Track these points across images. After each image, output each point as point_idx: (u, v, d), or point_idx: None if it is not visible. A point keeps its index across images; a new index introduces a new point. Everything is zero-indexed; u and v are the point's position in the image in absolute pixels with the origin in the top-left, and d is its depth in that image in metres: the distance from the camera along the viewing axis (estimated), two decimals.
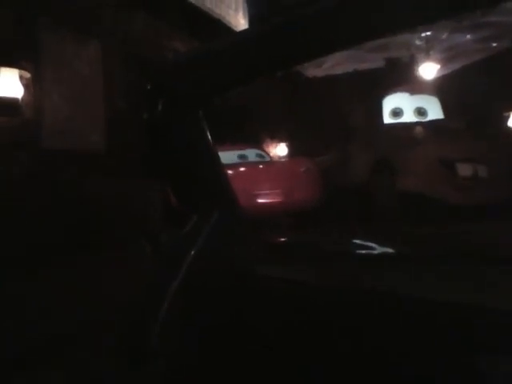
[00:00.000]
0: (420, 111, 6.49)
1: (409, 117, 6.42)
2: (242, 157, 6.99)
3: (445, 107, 6.62)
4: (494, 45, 8.16)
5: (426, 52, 8.47)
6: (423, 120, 6.35)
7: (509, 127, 6.63)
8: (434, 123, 6.24)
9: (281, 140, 8.71)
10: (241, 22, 8.05)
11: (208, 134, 1.01)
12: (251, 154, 7.14)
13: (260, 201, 5.95)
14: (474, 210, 5.17)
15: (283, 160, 8.03)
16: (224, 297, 0.97)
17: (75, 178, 4.40)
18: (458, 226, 4.99)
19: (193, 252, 0.96)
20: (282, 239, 1.67)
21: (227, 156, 6.73)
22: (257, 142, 8.15)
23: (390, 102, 6.72)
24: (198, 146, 1.03)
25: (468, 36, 8.49)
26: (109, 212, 4.47)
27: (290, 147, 8.65)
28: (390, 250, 1.57)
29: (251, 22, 8.27)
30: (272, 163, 7.09)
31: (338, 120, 7.18)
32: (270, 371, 0.93)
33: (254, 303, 0.96)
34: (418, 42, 8.62)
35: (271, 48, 0.81)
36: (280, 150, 8.75)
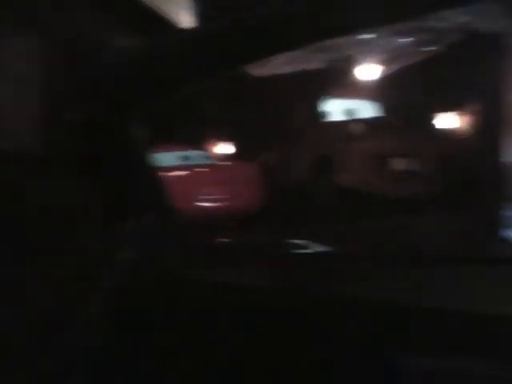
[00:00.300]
0: (349, 112, 6.74)
1: (341, 117, 6.65)
2: (185, 158, 6.91)
3: (381, 106, 6.90)
4: (430, 49, 8.56)
5: (367, 54, 8.75)
6: (359, 118, 6.61)
7: (441, 125, 7.01)
8: (370, 120, 6.50)
9: (225, 140, 8.71)
10: (188, 21, 7.97)
11: (141, 134, 0.99)
12: (194, 155, 7.08)
13: (204, 204, 5.91)
14: (408, 204, 5.46)
15: (228, 163, 8.02)
16: (157, 302, 0.97)
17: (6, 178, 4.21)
18: (393, 221, 5.24)
19: (124, 256, 0.96)
20: (220, 242, 1.68)
21: (170, 157, 6.64)
22: (201, 143, 8.11)
23: (329, 103, 6.91)
24: (129, 147, 1.01)
25: (406, 39, 8.85)
26: (36, 213, 4.29)
27: (234, 147, 8.68)
28: (326, 250, 1.62)
29: (199, 21, 8.20)
30: (216, 166, 7.06)
31: (282, 119, 7.29)
32: (202, 375, 0.95)
33: (188, 308, 0.97)
34: (359, 44, 8.88)
35: (217, 48, 0.79)
36: (224, 150, 8.76)
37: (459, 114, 7.01)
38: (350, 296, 0.86)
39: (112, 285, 0.92)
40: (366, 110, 7.07)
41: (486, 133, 6.66)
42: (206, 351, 0.93)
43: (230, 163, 8.19)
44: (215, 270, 1.09)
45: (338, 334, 0.78)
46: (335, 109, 7.06)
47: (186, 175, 6.22)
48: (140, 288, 0.96)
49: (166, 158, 6.61)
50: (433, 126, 6.97)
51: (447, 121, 7.10)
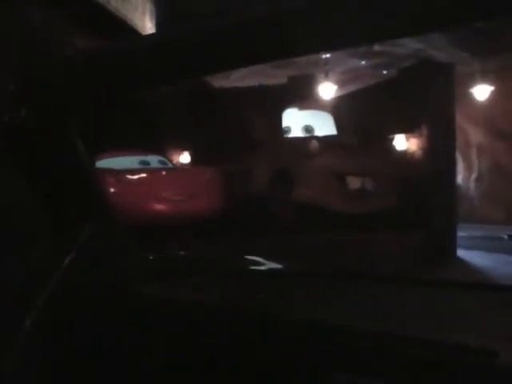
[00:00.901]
0: (307, 129, 6.90)
1: (299, 133, 6.80)
2: (143, 163, 6.82)
3: (338, 125, 7.10)
4: (385, 72, 8.90)
5: (326, 73, 8.99)
6: (315, 135, 6.77)
7: (393, 146, 7.26)
8: (327, 139, 6.66)
9: (185, 149, 8.67)
10: (147, 26, 7.90)
11: (79, 142, 0.95)
12: (153, 160, 7.00)
13: (161, 208, 5.84)
14: (361, 220, 5.63)
15: (186, 167, 7.97)
16: (95, 314, 0.94)
17: None
18: (344, 236, 5.37)
19: (63, 266, 0.93)
20: (168, 254, 1.66)
21: (128, 161, 6.53)
22: (160, 150, 8.02)
23: (288, 118, 7.05)
24: (66, 154, 0.96)
25: (363, 62, 9.19)
26: None
27: (193, 156, 8.64)
28: (275, 266, 1.62)
29: (159, 26, 8.15)
30: (175, 170, 7.01)
31: (242, 132, 7.33)
32: None
33: (127, 321, 0.94)
34: (319, 63, 9.13)
35: (173, 56, 0.76)
36: (184, 158, 8.70)
37: (412, 137, 7.29)
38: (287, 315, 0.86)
39: (48, 295, 0.88)
40: (324, 127, 7.24)
41: (436, 155, 6.94)
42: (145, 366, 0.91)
43: (188, 167, 8.14)
44: (156, 283, 1.06)
45: (279, 351, 0.78)
46: (294, 125, 7.19)
47: (144, 178, 6.13)
48: (79, 299, 0.93)
49: (124, 161, 6.50)
50: (386, 146, 7.22)
51: (400, 143, 7.37)
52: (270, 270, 1.53)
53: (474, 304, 0.99)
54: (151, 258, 1.20)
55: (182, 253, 1.97)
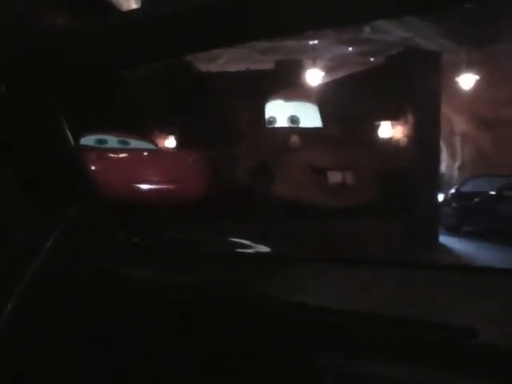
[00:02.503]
0: (293, 119, 6.86)
1: (283, 123, 6.75)
2: (125, 143, 6.70)
3: (324, 114, 7.08)
4: (372, 59, 8.89)
5: (313, 59, 8.95)
6: (297, 127, 6.73)
7: (378, 136, 7.28)
8: (309, 131, 6.64)
9: (170, 133, 8.59)
10: (132, 6, 7.75)
11: (63, 121, 0.93)
12: (137, 142, 6.88)
13: (143, 190, 5.77)
14: (343, 212, 5.66)
15: (170, 150, 7.87)
16: (79, 298, 0.93)
17: None
18: (328, 226, 5.41)
19: (46, 249, 0.92)
20: (155, 238, 1.65)
21: (111, 141, 6.43)
22: (146, 133, 7.93)
23: (273, 108, 7.00)
24: (49, 134, 0.94)
25: (350, 49, 9.15)
26: None
27: (179, 140, 8.57)
28: (262, 249, 1.62)
29: (144, 4, 7.98)
30: (158, 152, 6.91)
31: (227, 119, 7.28)
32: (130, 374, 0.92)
33: (112, 305, 0.94)
34: (306, 49, 9.07)
35: (156, 34, 0.74)
36: (169, 142, 8.63)
37: (396, 125, 7.33)
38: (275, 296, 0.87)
39: (31, 279, 0.87)
40: (308, 116, 7.20)
41: (421, 143, 7.00)
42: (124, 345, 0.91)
43: (173, 149, 8.04)
44: (141, 266, 1.06)
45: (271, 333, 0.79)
46: (277, 114, 7.13)
47: (127, 159, 6.05)
48: (58, 282, 0.92)
49: (106, 140, 6.41)
50: (370, 135, 7.25)
51: (385, 131, 7.40)
52: (256, 254, 1.54)
53: (455, 286, 1.01)
54: (136, 240, 1.19)
55: (167, 236, 1.97)
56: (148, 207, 5.26)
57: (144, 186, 5.82)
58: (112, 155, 5.90)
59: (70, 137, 0.96)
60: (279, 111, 7.04)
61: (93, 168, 5.45)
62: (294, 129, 6.65)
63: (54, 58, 0.84)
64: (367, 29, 8.34)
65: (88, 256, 0.97)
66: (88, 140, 6.30)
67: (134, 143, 6.80)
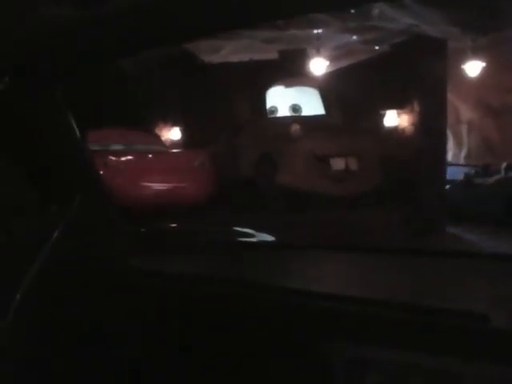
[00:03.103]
0: (295, 108, 6.83)
1: (285, 113, 6.73)
2: (133, 144, 6.70)
3: (327, 102, 7.04)
4: (377, 48, 8.81)
5: (317, 48, 8.87)
6: (299, 116, 6.70)
7: (383, 124, 7.24)
8: (311, 119, 6.61)
9: (175, 124, 8.58)
10: None
11: (68, 114, 0.92)
12: (145, 142, 6.86)
13: (150, 192, 5.78)
14: (348, 200, 5.65)
15: (176, 151, 7.86)
16: (83, 289, 0.93)
17: None
18: (333, 214, 5.41)
19: (51, 240, 0.91)
20: (159, 229, 1.65)
21: (117, 143, 6.45)
22: (149, 125, 7.93)
23: (274, 97, 6.97)
24: (54, 126, 0.93)
25: (354, 37, 9.06)
26: None
27: (183, 132, 8.56)
28: (268, 238, 1.62)
29: None
30: (164, 154, 6.90)
31: (230, 110, 7.27)
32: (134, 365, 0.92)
33: (122, 296, 0.94)
34: (310, 38, 9.00)
35: (151, 21, 0.73)
36: (173, 134, 8.62)
37: (403, 113, 7.27)
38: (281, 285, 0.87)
39: (37, 270, 0.87)
40: (311, 105, 7.17)
41: (427, 131, 6.96)
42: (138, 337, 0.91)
43: (178, 150, 8.05)
44: (146, 257, 1.06)
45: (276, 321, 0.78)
46: (279, 103, 7.10)
47: (135, 161, 6.07)
48: (63, 273, 0.92)
49: (115, 143, 6.42)
50: (376, 123, 7.21)
51: (391, 119, 7.35)
52: (260, 242, 1.54)
53: (464, 272, 1.00)
54: (142, 231, 1.19)
55: (171, 226, 1.97)
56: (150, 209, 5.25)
57: (150, 188, 5.83)
58: (118, 157, 5.91)
59: (75, 128, 0.96)
60: (281, 100, 7.02)
61: (101, 172, 5.45)
62: (296, 118, 6.63)
63: (56, 48, 0.83)
64: (372, 16, 8.26)
65: (93, 246, 0.97)
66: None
67: (141, 145, 6.78)
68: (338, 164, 6.04)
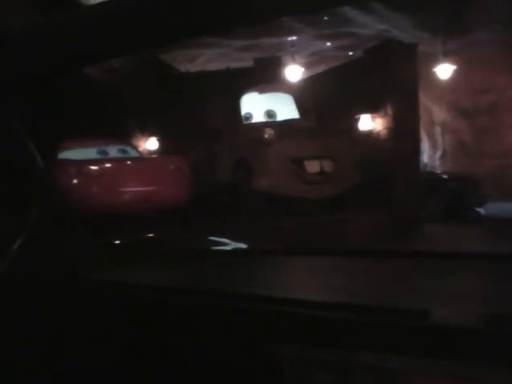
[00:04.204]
0: (269, 113, 6.89)
1: (259, 119, 6.79)
2: (102, 152, 6.64)
3: (301, 107, 7.12)
4: (350, 53, 8.96)
5: (292, 55, 8.98)
6: (274, 121, 6.75)
7: (358, 127, 7.33)
8: (285, 124, 6.67)
9: (151, 134, 8.56)
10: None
11: (22, 127, 0.91)
12: (112, 149, 6.81)
13: (127, 198, 5.73)
14: (323, 202, 5.71)
15: (152, 157, 7.82)
16: (43, 303, 0.92)
17: None
18: (309, 218, 5.46)
19: (8, 256, 0.90)
20: (126, 239, 1.64)
21: (88, 152, 6.39)
22: (125, 136, 7.88)
23: (249, 103, 7.02)
24: (7, 140, 0.92)
25: (328, 43, 9.21)
26: None
27: (160, 142, 8.54)
28: (241, 246, 1.63)
29: None
30: (140, 160, 6.84)
31: (207, 118, 7.29)
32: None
33: (77, 308, 0.92)
34: (285, 46, 9.11)
35: (120, 28, 0.73)
36: (150, 144, 8.59)
37: (376, 116, 7.40)
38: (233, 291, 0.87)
39: None
40: (284, 109, 7.24)
41: (401, 134, 7.08)
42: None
43: (155, 156, 8.00)
44: (112, 268, 1.06)
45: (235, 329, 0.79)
46: (256, 110, 7.15)
47: (110, 168, 6.02)
48: (20, 285, 0.91)
49: (83, 152, 6.37)
50: (350, 127, 7.31)
51: (365, 122, 7.47)
52: (232, 251, 1.55)
53: (418, 271, 1.04)
54: (103, 242, 1.19)
55: (142, 237, 1.97)
56: (127, 215, 5.21)
57: (126, 195, 5.77)
58: (94, 166, 5.85)
59: (29, 142, 0.95)
60: (256, 106, 7.06)
61: (74, 181, 5.43)
62: (270, 122, 6.68)
63: (16, 58, 0.81)
64: (344, 23, 8.40)
65: (52, 259, 0.96)
66: (73, 153, 6.25)
67: (111, 151, 6.72)
68: (312, 167, 6.09)
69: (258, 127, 6.49)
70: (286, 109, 7.11)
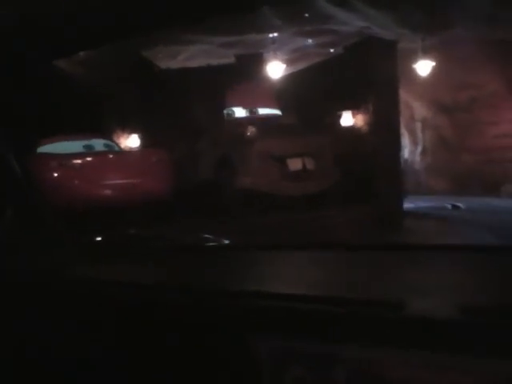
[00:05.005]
0: (251, 110, 6.91)
1: (241, 114, 6.80)
2: (87, 147, 6.63)
3: (282, 104, 7.15)
4: (331, 50, 9.00)
5: (274, 52, 8.99)
6: (254, 116, 6.78)
7: (338, 123, 7.38)
8: (266, 120, 6.70)
9: (132, 131, 8.49)
10: None
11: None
12: (98, 144, 6.80)
13: (109, 192, 5.72)
14: (306, 199, 5.75)
15: (134, 150, 7.81)
16: (20, 301, 0.90)
17: None
18: (292, 215, 5.49)
19: None
20: (103, 238, 1.62)
21: (72, 145, 6.36)
22: (106, 133, 7.82)
23: (232, 100, 7.03)
24: None
25: (309, 41, 9.23)
26: None
27: (142, 139, 8.48)
28: (224, 242, 1.63)
29: None
30: (122, 153, 6.86)
31: (189, 114, 7.26)
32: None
33: (59, 306, 0.92)
34: (266, 42, 9.10)
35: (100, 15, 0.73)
36: (131, 141, 8.52)
37: (357, 113, 7.45)
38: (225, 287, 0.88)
39: None
40: (267, 108, 7.27)
41: (381, 130, 7.15)
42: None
43: (134, 150, 7.97)
44: (94, 266, 1.05)
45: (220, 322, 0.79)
46: (229, 110, 7.15)
47: (92, 162, 6.00)
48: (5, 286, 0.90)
49: (67, 146, 6.33)
50: (331, 123, 7.35)
51: (345, 119, 7.52)
52: (215, 246, 1.54)
53: (397, 263, 1.05)
54: (84, 240, 1.18)
55: (125, 234, 1.95)
56: (110, 208, 5.20)
57: (108, 189, 5.77)
58: (73, 160, 5.84)
59: (5, 142, 0.93)
60: (237, 104, 7.06)
61: (55, 174, 5.42)
62: (251, 118, 6.69)
63: None
64: (325, 20, 8.43)
65: (29, 257, 0.95)
66: (47, 147, 6.21)
67: (95, 146, 6.71)
68: (295, 164, 6.12)
69: (240, 124, 6.50)
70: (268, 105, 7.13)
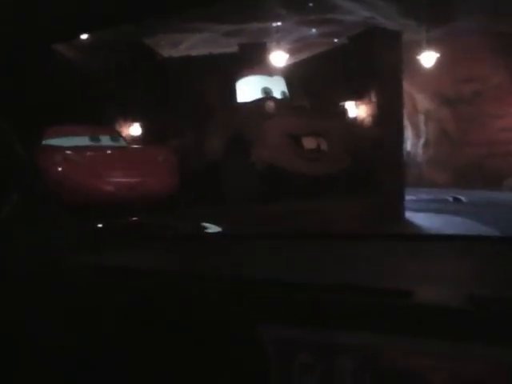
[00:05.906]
0: (266, 91, 6.90)
1: (257, 96, 6.79)
2: (94, 139, 6.57)
3: (291, 90, 7.13)
4: (335, 40, 8.94)
5: (277, 41, 8.93)
6: (271, 96, 6.76)
7: (343, 112, 7.37)
8: (281, 101, 6.68)
9: (135, 120, 8.46)
10: None
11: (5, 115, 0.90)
12: (105, 138, 6.74)
13: (113, 188, 5.67)
14: (319, 182, 5.77)
15: (140, 147, 7.73)
16: (24, 290, 0.90)
17: None
18: (305, 203, 5.48)
19: None
20: (111, 223, 1.62)
21: (79, 139, 6.31)
22: (110, 123, 7.78)
23: (243, 85, 7.00)
24: None
25: (313, 30, 9.17)
26: None
27: (144, 127, 8.45)
28: (223, 230, 1.62)
29: None
30: (128, 149, 6.76)
31: (194, 101, 7.22)
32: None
33: (64, 293, 0.91)
34: (270, 32, 9.05)
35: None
36: (134, 130, 8.49)
37: (360, 103, 7.42)
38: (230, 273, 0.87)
39: None
40: (279, 92, 7.26)
41: (384, 121, 7.12)
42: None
43: (143, 146, 7.91)
44: (98, 253, 1.04)
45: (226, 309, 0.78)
46: (247, 89, 7.13)
47: (97, 156, 5.96)
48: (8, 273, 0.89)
49: (74, 139, 6.29)
50: (337, 111, 7.33)
51: (350, 109, 7.49)
52: (220, 234, 1.54)
53: (403, 254, 1.05)
54: (88, 227, 1.17)
55: (127, 221, 1.95)
56: (114, 204, 5.17)
57: (113, 185, 5.72)
58: (79, 154, 5.78)
59: (8, 129, 0.92)
60: (251, 87, 7.03)
61: (60, 168, 5.39)
62: (269, 97, 6.66)
63: None
64: (329, 10, 8.36)
65: (34, 245, 0.94)
66: (55, 140, 6.17)
67: (104, 139, 6.66)
68: (310, 143, 6.14)
69: (257, 102, 6.48)
70: (279, 90, 7.12)
